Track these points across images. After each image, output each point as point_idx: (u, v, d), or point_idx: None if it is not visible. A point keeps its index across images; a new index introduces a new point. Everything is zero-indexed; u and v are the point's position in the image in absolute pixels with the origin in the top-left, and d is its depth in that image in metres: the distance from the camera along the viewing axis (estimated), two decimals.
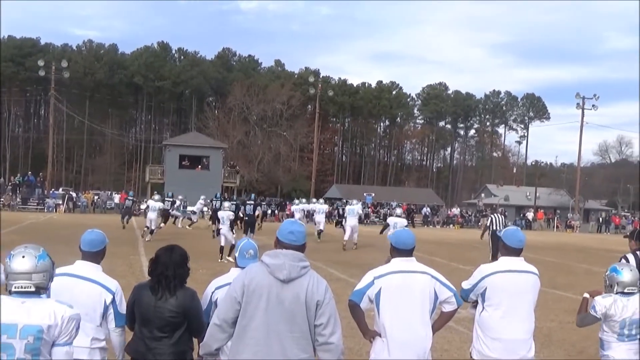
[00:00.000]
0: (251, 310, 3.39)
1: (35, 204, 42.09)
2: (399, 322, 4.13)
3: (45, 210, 40.12)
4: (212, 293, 4.32)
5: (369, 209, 49.57)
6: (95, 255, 4.26)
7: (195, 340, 4.15)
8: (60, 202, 41.95)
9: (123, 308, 4.18)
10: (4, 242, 14.16)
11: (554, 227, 53.04)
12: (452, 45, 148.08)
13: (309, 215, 29.43)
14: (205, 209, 33.15)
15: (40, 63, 52.30)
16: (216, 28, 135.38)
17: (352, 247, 21.18)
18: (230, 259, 15.39)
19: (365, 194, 54.78)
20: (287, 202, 47.93)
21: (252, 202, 22.34)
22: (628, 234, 6.72)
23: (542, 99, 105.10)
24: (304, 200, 33.96)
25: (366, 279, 4.26)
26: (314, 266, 3.60)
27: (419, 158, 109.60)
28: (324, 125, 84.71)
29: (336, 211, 39.39)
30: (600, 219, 55.28)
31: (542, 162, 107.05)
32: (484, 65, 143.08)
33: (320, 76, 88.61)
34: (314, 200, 32.06)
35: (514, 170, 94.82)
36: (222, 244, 16.54)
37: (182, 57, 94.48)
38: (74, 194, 45.96)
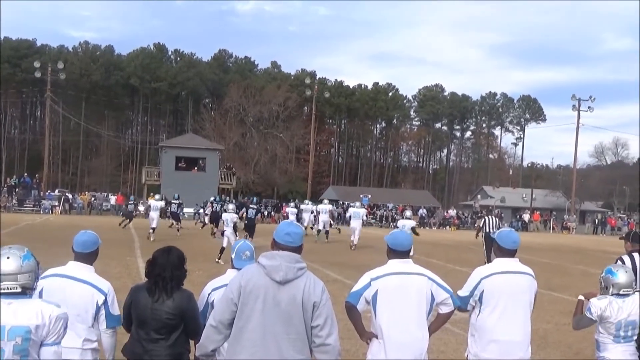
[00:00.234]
0: (248, 311, 3.38)
1: (32, 205, 41.90)
2: (395, 324, 4.12)
3: (42, 212, 40.00)
4: (209, 294, 4.31)
5: (365, 211, 49.38)
6: (88, 257, 4.25)
7: (192, 342, 4.14)
8: (57, 204, 41.93)
9: (115, 309, 4.16)
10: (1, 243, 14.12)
11: (550, 228, 53.08)
12: (448, 47, 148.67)
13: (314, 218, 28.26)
14: (201, 210, 33.16)
15: (37, 64, 52.23)
16: (213, 29, 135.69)
17: (352, 248, 21.29)
18: (221, 261, 15.39)
19: (361, 196, 54.71)
20: (283, 204, 47.88)
21: (255, 207, 22.25)
22: (624, 235, 6.73)
23: (538, 101, 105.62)
24: (310, 202, 32.09)
25: (363, 281, 4.26)
26: (311, 267, 3.60)
27: (415, 160, 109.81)
28: (321, 126, 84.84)
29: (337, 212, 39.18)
30: (596, 221, 55.29)
31: (538, 164, 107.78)
32: (480, 66, 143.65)
33: (317, 78, 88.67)
34: (306, 201, 30.61)
35: (510, 172, 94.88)
36: (224, 245, 16.53)
37: (178, 59, 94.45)
38: (70, 196, 45.95)
